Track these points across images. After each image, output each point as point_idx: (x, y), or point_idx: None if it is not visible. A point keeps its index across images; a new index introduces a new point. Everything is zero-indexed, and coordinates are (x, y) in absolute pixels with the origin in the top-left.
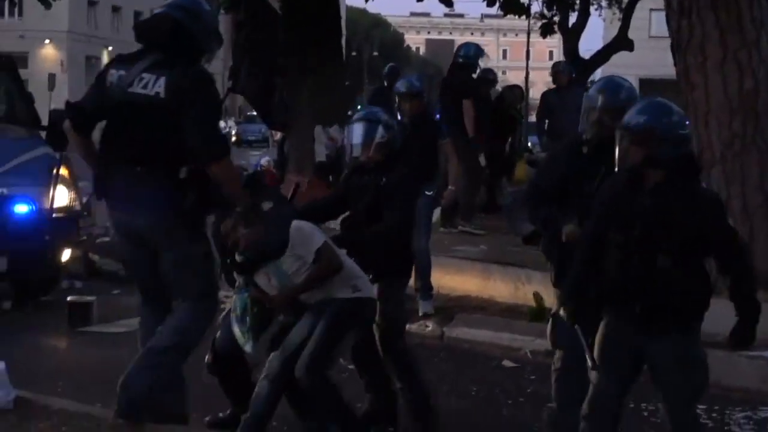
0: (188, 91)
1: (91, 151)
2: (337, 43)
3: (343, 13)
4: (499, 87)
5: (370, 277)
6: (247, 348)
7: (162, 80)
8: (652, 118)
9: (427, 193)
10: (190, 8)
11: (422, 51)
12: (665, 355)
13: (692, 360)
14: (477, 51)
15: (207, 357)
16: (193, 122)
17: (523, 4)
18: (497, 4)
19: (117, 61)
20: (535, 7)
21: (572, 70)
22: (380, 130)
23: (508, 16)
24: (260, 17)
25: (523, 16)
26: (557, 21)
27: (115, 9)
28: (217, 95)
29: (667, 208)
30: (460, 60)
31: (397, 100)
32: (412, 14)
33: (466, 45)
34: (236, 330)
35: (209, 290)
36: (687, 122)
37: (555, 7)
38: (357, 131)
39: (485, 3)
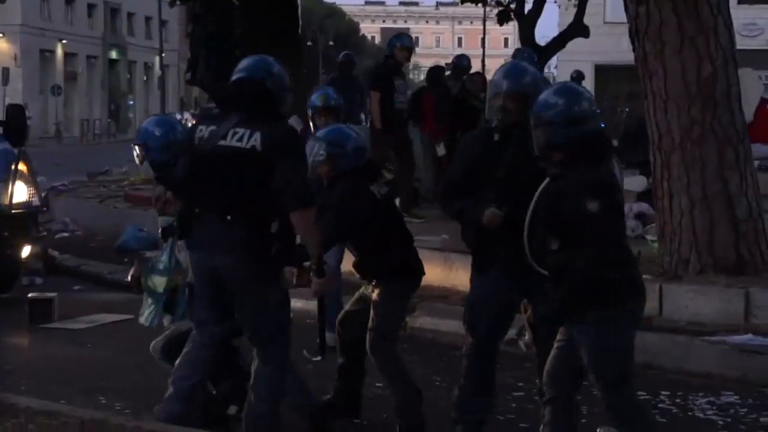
0: (281, 144)
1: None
2: (294, 34)
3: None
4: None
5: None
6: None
7: (257, 135)
8: (542, 101)
9: None
10: (271, 71)
11: (378, 40)
12: (581, 341)
13: (602, 347)
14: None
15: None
16: (284, 172)
17: None
18: None
19: (204, 118)
20: None
21: (534, 56)
22: (317, 147)
23: (469, 4)
24: (217, 9)
25: (479, 4)
26: (513, 8)
27: (69, 1)
28: (303, 152)
29: (556, 190)
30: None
31: (310, 114)
32: (367, 3)
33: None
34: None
35: (280, 336)
36: (584, 104)
37: None
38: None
39: None
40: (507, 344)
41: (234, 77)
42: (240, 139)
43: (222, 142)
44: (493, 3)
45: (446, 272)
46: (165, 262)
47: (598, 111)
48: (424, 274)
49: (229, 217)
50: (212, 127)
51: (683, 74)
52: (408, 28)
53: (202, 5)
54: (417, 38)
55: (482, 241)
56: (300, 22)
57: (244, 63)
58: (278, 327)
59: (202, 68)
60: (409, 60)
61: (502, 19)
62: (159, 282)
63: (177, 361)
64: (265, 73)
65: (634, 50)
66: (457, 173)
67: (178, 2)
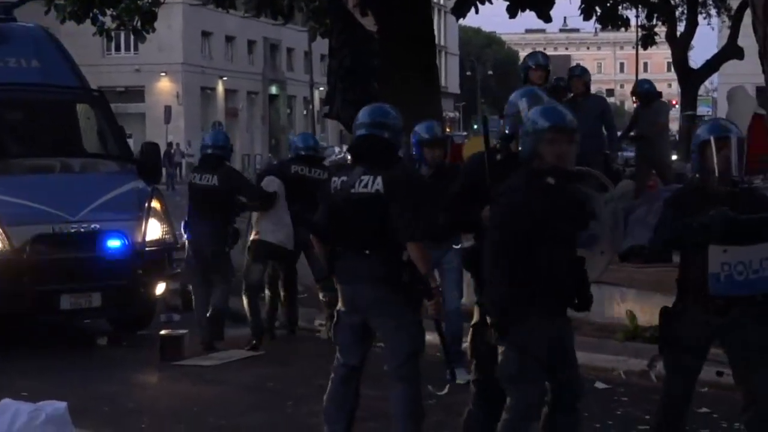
0: (398, 184)
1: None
2: (432, 65)
3: (456, 32)
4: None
5: None
6: None
7: (379, 179)
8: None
9: (454, 246)
10: (390, 125)
11: None
12: None
13: None
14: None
15: None
16: (400, 209)
17: (621, 15)
18: (594, 17)
19: (337, 170)
20: (642, 19)
21: (588, 78)
22: None
23: (622, 29)
24: (355, 42)
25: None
26: (665, 31)
27: (229, 39)
28: (423, 187)
29: None
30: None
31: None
32: (528, 31)
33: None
34: None
35: (415, 352)
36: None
37: (656, 18)
38: None
39: (582, 17)
40: (638, 376)
41: (357, 132)
42: (366, 186)
43: (353, 191)
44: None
45: None
46: None
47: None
48: None
49: (366, 252)
50: (343, 178)
51: None
52: (569, 56)
53: (337, 39)
54: (578, 64)
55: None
56: (457, 52)
57: (363, 116)
58: (414, 343)
59: (339, 102)
60: (545, 80)
61: (646, 43)
62: None
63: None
64: (384, 128)
65: (764, 72)
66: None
67: (320, 36)
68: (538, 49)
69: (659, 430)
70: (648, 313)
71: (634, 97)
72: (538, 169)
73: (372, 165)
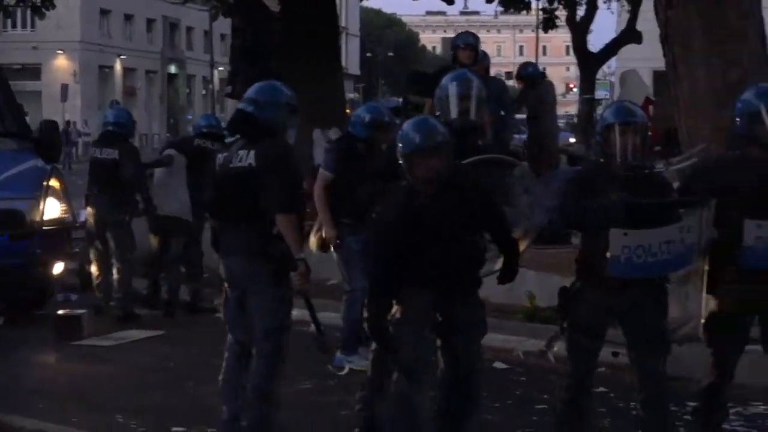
0: (269, 158)
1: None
2: (335, 45)
3: (357, 13)
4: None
5: None
6: None
7: (252, 153)
8: None
9: None
10: (258, 100)
11: (438, 50)
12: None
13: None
14: None
15: None
16: (269, 181)
17: None
18: (497, 1)
19: (222, 148)
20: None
21: (488, 62)
22: None
23: (524, 12)
24: (258, 22)
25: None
26: (565, 15)
27: (127, 17)
28: (291, 163)
29: None
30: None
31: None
32: (428, 13)
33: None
34: None
35: (277, 328)
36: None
37: (558, 1)
38: None
39: (485, 0)
40: (536, 356)
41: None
42: (241, 160)
43: (231, 165)
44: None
45: None
46: None
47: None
48: None
49: (241, 225)
50: (226, 154)
51: (711, 79)
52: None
53: (240, 19)
54: None
55: None
56: (338, 31)
57: (247, 92)
58: (276, 320)
59: (241, 82)
60: (474, 60)
61: (547, 26)
62: None
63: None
64: (253, 103)
65: (664, 55)
66: None
67: (222, 15)
68: (437, 31)
69: (565, 410)
70: (547, 294)
71: (518, 81)
72: (411, 186)
73: (248, 140)
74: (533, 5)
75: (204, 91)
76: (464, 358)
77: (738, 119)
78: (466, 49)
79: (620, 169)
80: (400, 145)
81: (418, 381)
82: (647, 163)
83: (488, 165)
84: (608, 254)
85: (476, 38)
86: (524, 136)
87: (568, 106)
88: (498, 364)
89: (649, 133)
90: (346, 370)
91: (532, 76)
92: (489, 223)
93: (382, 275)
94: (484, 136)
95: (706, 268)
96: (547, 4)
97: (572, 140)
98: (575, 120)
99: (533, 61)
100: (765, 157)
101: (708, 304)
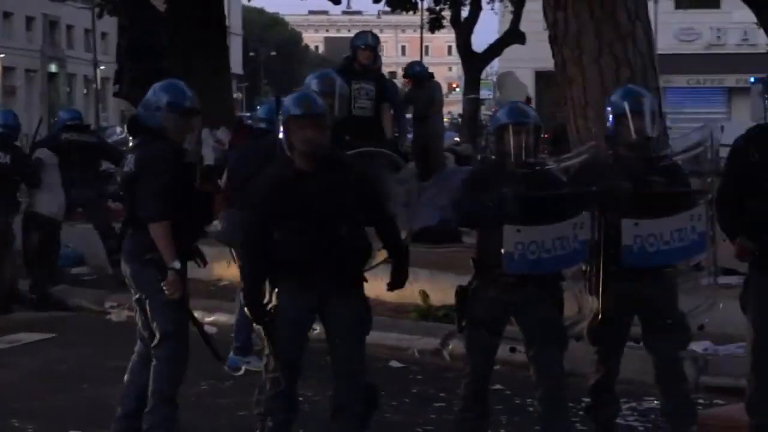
0: (144, 162)
1: None
2: (222, 45)
3: (239, 12)
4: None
5: None
6: None
7: (132, 157)
8: None
9: None
10: (147, 103)
11: (321, 50)
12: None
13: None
14: None
15: None
16: (139, 187)
17: None
18: (384, 1)
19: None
20: (428, 2)
21: (420, 73)
22: None
23: (405, 12)
24: (145, 22)
25: (419, 13)
26: (450, 15)
27: (6, 15)
28: (162, 169)
29: None
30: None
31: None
32: (311, 12)
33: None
34: None
35: (167, 333)
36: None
37: (444, 1)
38: None
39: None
40: (432, 354)
41: None
42: (128, 164)
43: (125, 169)
44: (429, 10)
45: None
46: None
47: None
48: None
49: (129, 230)
50: (128, 156)
51: (602, 80)
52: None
53: (127, 17)
54: None
55: None
56: (226, 31)
57: None
58: (164, 328)
59: (128, 81)
60: (373, 60)
61: (434, 27)
62: None
63: None
64: (144, 107)
65: (553, 56)
66: None
67: (107, 14)
68: (320, 31)
69: (465, 407)
70: (440, 293)
71: (406, 80)
72: (288, 157)
73: (137, 143)
74: (419, 5)
75: (85, 90)
76: (340, 360)
77: (609, 121)
78: (366, 50)
79: (514, 167)
80: (281, 116)
81: (288, 376)
82: (540, 161)
83: (369, 157)
84: (503, 251)
85: (376, 39)
86: (410, 136)
87: (451, 106)
88: (394, 363)
89: (545, 135)
90: (242, 371)
91: (419, 75)
92: (372, 217)
93: (251, 249)
94: (384, 134)
95: (584, 268)
96: (433, 5)
97: (457, 139)
98: (459, 120)
99: (417, 60)
100: (633, 157)
101: (591, 303)
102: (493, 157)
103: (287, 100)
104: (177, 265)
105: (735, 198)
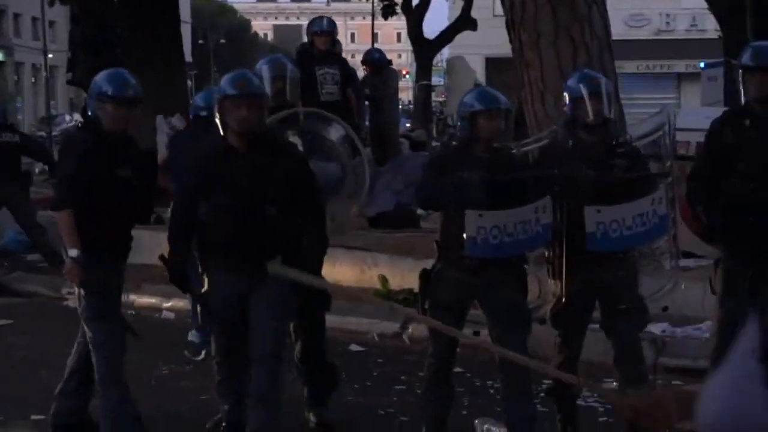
0: (58, 151)
1: None
2: (176, 33)
3: (188, 0)
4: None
5: None
6: None
7: None
8: None
9: None
10: (89, 92)
11: (270, 37)
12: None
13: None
14: None
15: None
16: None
17: None
18: None
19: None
20: None
21: (380, 59)
22: None
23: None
24: (98, 11)
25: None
26: (401, 2)
27: None
28: (63, 157)
29: None
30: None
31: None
32: (259, 0)
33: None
34: None
35: (86, 319)
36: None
37: None
38: None
39: None
40: (391, 338)
41: None
42: None
43: None
44: None
45: (329, 267)
46: None
47: None
48: None
49: None
50: None
51: (559, 63)
52: (300, 25)
53: (80, 6)
54: None
55: None
56: (189, 20)
57: None
58: (84, 313)
59: (81, 69)
60: (331, 45)
61: (387, 13)
62: None
63: None
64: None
65: (510, 41)
66: None
67: (59, 2)
68: (269, 18)
69: (428, 389)
70: (399, 277)
71: (364, 66)
72: (223, 136)
73: None
74: None
75: (34, 79)
76: (256, 343)
77: (566, 105)
78: (322, 35)
79: (481, 152)
80: (216, 95)
81: (226, 361)
82: (504, 145)
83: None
84: (465, 235)
85: (332, 23)
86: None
87: (401, 93)
88: (354, 347)
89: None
90: (202, 356)
91: (378, 62)
92: (301, 204)
93: (176, 220)
94: (352, 118)
95: (546, 253)
96: None
97: (408, 125)
98: (411, 106)
99: (377, 47)
100: (593, 141)
101: (553, 287)
102: (454, 143)
103: (224, 80)
104: (73, 253)
105: (711, 179)
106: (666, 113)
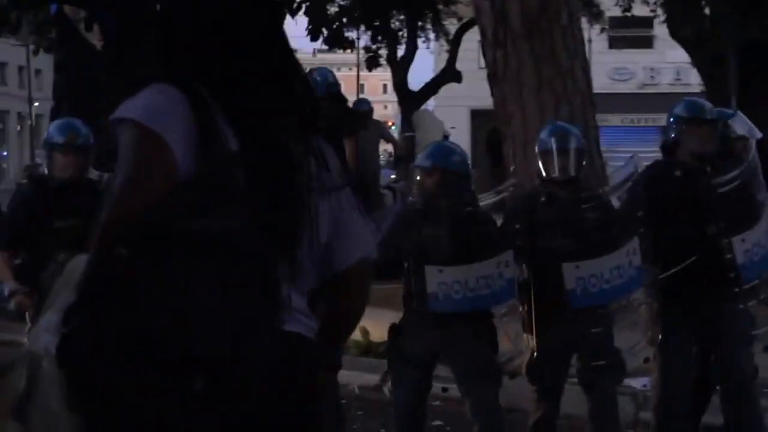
0: None
1: None
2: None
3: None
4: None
5: None
6: None
7: None
8: None
9: None
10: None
11: None
12: None
13: None
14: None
15: None
16: None
17: (347, 37)
18: (321, 39)
19: None
20: (364, 41)
21: (366, 111)
22: None
23: (341, 51)
24: (82, 58)
25: (355, 51)
26: (386, 54)
27: None
28: (10, 204)
29: None
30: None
31: None
32: None
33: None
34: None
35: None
36: None
37: (381, 39)
38: None
39: (309, 38)
40: (372, 390)
41: None
42: None
43: None
44: (365, 49)
45: None
46: None
47: None
48: None
49: None
50: None
51: (541, 116)
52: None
53: (63, 54)
54: None
55: None
56: None
57: None
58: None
59: (65, 117)
60: None
61: (371, 65)
62: None
63: None
64: None
65: (492, 94)
66: None
67: (43, 50)
68: None
69: None
70: (380, 329)
71: None
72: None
73: None
74: (356, 44)
75: (19, 127)
76: None
77: (538, 158)
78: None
79: (444, 206)
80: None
81: None
82: (466, 200)
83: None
84: (427, 291)
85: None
86: None
87: (386, 144)
88: None
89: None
90: None
91: (368, 114)
92: None
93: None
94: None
95: (521, 308)
96: (370, 43)
97: (393, 177)
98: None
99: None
100: (559, 194)
101: (526, 341)
102: (411, 198)
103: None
104: (10, 285)
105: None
106: (633, 163)
